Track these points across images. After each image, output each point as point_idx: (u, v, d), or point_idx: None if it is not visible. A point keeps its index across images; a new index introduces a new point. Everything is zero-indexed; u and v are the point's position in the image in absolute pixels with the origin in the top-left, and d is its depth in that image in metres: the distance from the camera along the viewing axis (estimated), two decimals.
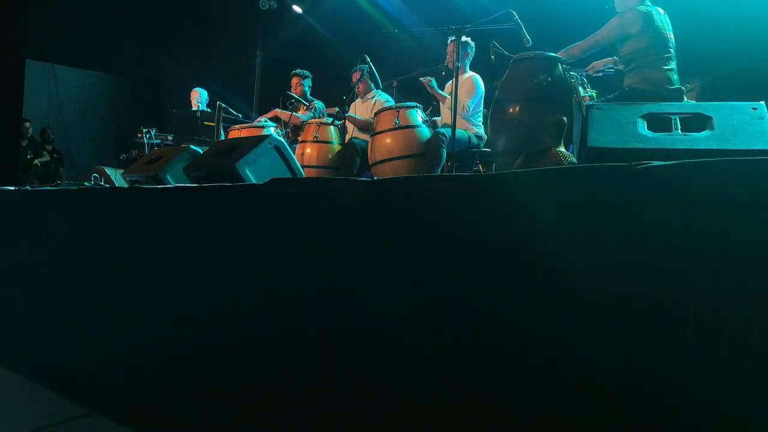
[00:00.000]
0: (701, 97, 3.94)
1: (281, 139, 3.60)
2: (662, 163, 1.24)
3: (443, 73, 4.65)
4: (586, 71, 3.71)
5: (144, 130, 6.66)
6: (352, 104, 5.27)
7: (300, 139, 5.06)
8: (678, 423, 1.16)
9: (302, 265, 1.88)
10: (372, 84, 5.18)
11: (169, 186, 3.39)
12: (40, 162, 8.76)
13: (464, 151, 4.32)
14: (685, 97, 3.41)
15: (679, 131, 2.38)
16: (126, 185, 3.71)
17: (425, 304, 1.55)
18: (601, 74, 3.74)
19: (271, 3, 7.92)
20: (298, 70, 5.81)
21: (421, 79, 4.53)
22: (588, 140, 2.42)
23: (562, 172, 1.43)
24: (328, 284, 1.80)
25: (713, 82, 4.09)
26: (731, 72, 4.14)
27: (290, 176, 3.53)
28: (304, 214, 1.92)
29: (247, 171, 3.29)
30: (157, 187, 3.13)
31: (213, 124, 5.86)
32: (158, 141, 6.57)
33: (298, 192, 2.03)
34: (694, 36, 3.89)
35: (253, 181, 3.06)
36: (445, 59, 4.54)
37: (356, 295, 1.72)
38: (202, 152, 3.95)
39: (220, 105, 5.77)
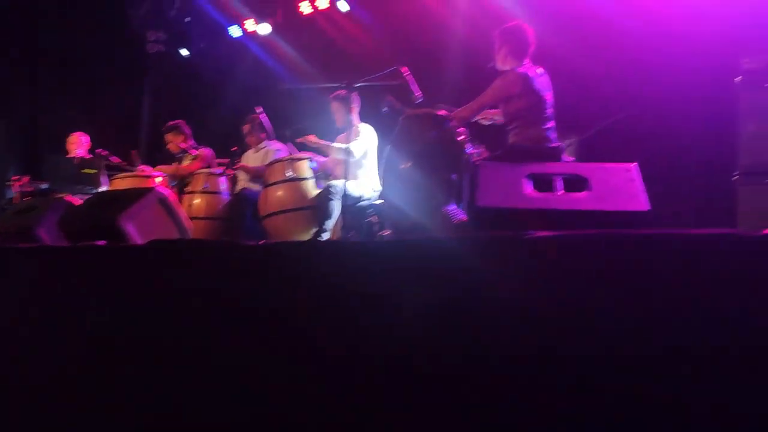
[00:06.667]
0: (578, 153, 4.14)
1: (165, 192, 3.45)
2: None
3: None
4: (478, 118, 3.70)
5: (16, 178, 6.17)
6: (244, 155, 5.19)
7: (188, 189, 4.87)
8: None
9: (184, 325, 1.93)
10: (263, 135, 5.09)
11: (41, 246, 3.20)
12: None
13: (356, 205, 4.29)
14: (564, 154, 3.56)
15: (562, 190, 2.49)
16: None
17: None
18: (491, 122, 3.80)
19: (159, 46, 7.68)
20: (167, 126, 5.57)
21: (299, 140, 4.51)
22: (476, 199, 2.47)
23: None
24: (204, 344, 1.87)
25: (589, 139, 4.32)
26: (606, 129, 4.40)
27: (176, 231, 3.39)
28: (185, 277, 1.98)
29: (130, 226, 3.12)
30: (25, 247, 2.90)
31: (93, 171, 5.52)
32: (31, 190, 6.11)
33: (177, 254, 2.11)
34: (572, 93, 4.11)
35: (135, 237, 2.99)
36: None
37: (232, 359, 1.83)
38: (80, 203, 3.70)
39: (100, 152, 5.48)
